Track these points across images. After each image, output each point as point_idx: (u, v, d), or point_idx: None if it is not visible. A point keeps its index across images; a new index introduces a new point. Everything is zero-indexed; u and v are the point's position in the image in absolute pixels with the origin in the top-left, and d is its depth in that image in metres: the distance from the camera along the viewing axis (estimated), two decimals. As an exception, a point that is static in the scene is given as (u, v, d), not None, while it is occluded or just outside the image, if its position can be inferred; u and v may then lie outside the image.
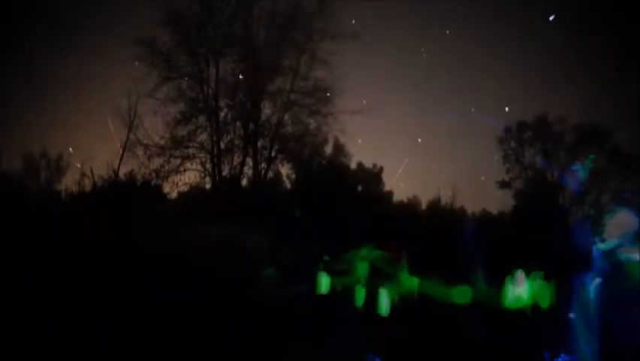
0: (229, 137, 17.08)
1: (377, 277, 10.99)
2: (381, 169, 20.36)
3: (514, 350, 8.27)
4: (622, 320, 7.80)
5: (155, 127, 16.43)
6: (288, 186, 19.12)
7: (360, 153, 21.26)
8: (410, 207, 19.90)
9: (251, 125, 17.28)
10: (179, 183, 16.46)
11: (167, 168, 16.32)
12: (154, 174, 16.29)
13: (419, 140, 19.49)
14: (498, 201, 20.09)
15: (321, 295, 10.66)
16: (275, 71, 17.25)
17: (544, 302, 10.20)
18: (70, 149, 19.91)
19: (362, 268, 11.24)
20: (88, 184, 15.41)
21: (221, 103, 17.08)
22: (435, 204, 19.43)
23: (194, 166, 16.64)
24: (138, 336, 7.73)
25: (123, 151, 16.03)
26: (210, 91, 16.94)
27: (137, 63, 16.17)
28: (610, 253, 9.84)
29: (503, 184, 20.80)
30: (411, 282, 11.08)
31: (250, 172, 17.33)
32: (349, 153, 19.51)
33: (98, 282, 8.58)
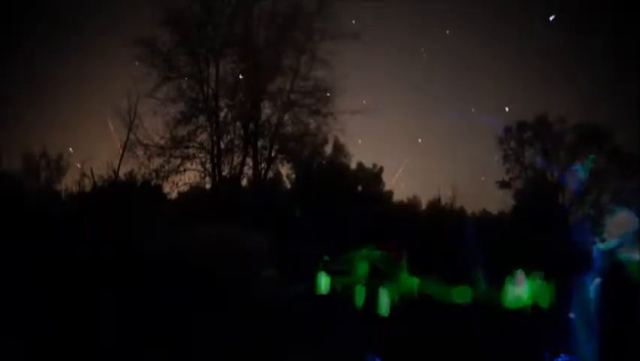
0: (229, 137, 17.10)
1: (377, 277, 10.99)
2: (381, 169, 20.38)
3: (514, 350, 8.27)
4: (622, 320, 7.80)
5: (155, 127, 16.45)
6: (288, 186, 19.12)
7: (360, 153, 21.27)
8: (410, 207, 19.91)
9: (251, 125, 17.28)
10: (179, 183, 16.48)
11: (167, 168, 16.33)
12: (154, 174, 16.30)
13: (419, 140, 19.50)
14: (498, 201, 20.11)
15: (321, 295, 10.67)
16: (275, 71, 17.25)
17: (544, 302, 10.19)
18: (70, 149, 19.93)
19: (362, 268, 11.24)
20: (88, 184, 15.43)
21: (221, 103, 17.10)
22: (435, 204, 19.43)
23: (194, 166, 16.66)
24: (138, 336, 7.73)
25: (123, 151, 16.05)
26: (210, 91, 16.95)
27: (137, 63, 16.19)
28: (610, 253, 9.84)
29: (503, 184, 20.80)
30: (411, 282, 11.08)
31: (250, 172, 17.34)
32: (349, 153, 19.53)
33: (98, 282, 8.58)
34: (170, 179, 16.35)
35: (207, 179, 16.78)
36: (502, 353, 8.40)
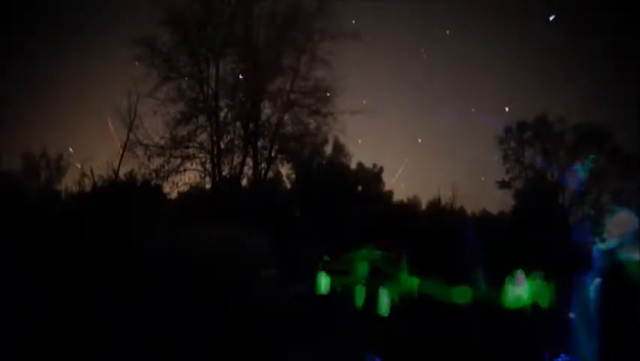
0: (229, 137, 17.10)
1: (377, 277, 10.99)
2: (381, 169, 20.38)
3: (514, 350, 8.27)
4: (622, 320, 7.79)
5: (155, 127, 16.45)
6: (288, 186, 19.12)
7: (360, 153, 21.28)
8: (410, 207, 19.90)
9: (251, 125, 17.28)
10: (179, 183, 16.48)
11: (167, 168, 16.33)
12: (154, 174, 16.30)
13: (419, 140, 19.51)
14: (498, 201, 20.11)
15: (321, 295, 10.66)
16: (275, 71, 17.24)
17: (544, 302, 10.19)
18: (70, 149, 19.93)
19: (362, 268, 11.24)
20: (88, 184, 15.42)
21: (221, 103, 17.10)
22: (435, 204, 19.42)
23: (194, 166, 16.66)
24: (138, 336, 7.73)
25: (123, 151, 16.05)
26: (210, 91, 16.95)
27: (137, 63, 16.19)
28: (610, 253, 9.84)
29: (503, 184, 20.80)
30: (411, 282, 11.07)
31: (250, 172, 17.34)
32: (349, 153, 19.53)
33: (98, 282, 8.58)
34: (170, 179, 16.36)
35: (207, 179, 16.80)
36: (502, 353, 8.40)
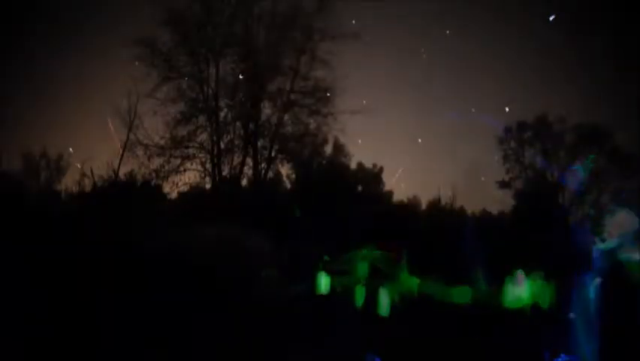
0: (229, 137, 17.11)
1: (377, 277, 10.98)
2: (381, 169, 20.41)
3: (514, 350, 8.27)
4: (622, 320, 7.79)
5: (155, 127, 16.47)
6: (288, 186, 19.14)
7: (360, 153, 21.36)
8: (410, 207, 19.92)
9: (251, 125, 17.30)
10: (179, 183, 16.50)
11: (167, 168, 16.35)
12: (154, 174, 16.31)
13: (419, 140, 19.53)
14: (498, 201, 20.13)
15: (321, 295, 10.66)
16: (275, 71, 17.26)
17: (544, 302, 10.19)
18: (70, 149, 19.98)
19: (362, 268, 11.23)
20: (88, 184, 15.42)
21: (221, 103, 17.12)
22: (435, 204, 19.44)
23: (194, 166, 16.68)
24: (138, 336, 7.73)
25: (123, 151, 16.06)
26: (210, 91, 16.96)
27: (137, 63, 16.22)
28: (610, 253, 9.84)
29: (503, 184, 20.82)
30: (411, 282, 11.07)
31: (250, 172, 17.36)
32: (349, 153, 19.57)
33: (98, 282, 8.58)
34: (170, 179, 16.38)
35: (207, 179, 16.82)
36: (502, 353, 8.40)
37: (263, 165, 17.37)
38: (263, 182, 17.27)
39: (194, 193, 16.58)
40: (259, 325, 8.50)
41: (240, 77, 17.20)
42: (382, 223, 14.09)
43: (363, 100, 16.95)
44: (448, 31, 20.24)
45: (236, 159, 17.16)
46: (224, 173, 16.83)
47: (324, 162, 19.17)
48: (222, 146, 16.86)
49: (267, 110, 17.47)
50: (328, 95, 17.18)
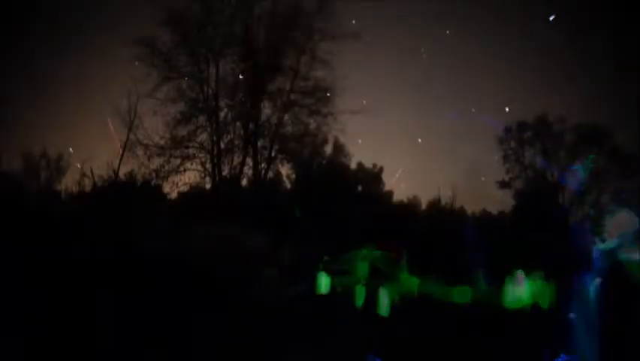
0: (229, 137, 17.13)
1: (377, 277, 10.98)
2: (381, 169, 20.43)
3: (514, 350, 8.27)
4: (622, 320, 7.79)
5: (155, 127, 16.49)
6: (288, 186, 19.15)
7: (360, 153, 21.40)
8: (410, 207, 19.92)
9: (251, 125, 17.31)
10: (179, 183, 16.51)
11: (167, 168, 16.36)
12: (154, 174, 16.32)
13: (419, 140, 19.54)
14: (498, 201, 20.18)
15: (321, 295, 10.65)
16: (275, 71, 17.27)
17: (544, 302, 10.19)
18: (70, 149, 20.00)
19: (362, 268, 11.23)
20: (88, 184, 15.41)
21: (221, 103, 17.14)
22: (435, 205, 19.44)
23: (194, 166, 16.70)
24: (138, 336, 7.73)
25: (123, 151, 16.06)
26: (210, 91, 16.98)
27: (137, 63, 16.24)
28: (610, 253, 9.83)
29: (503, 184, 20.85)
30: (411, 282, 11.07)
31: (250, 172, 17.38)
32: (349, 153, 19.60)
33: (98, 282, 8.57)
34: (170, 179, 16.40)
35: (207, 179, 16.83)
36: (502, 353, 8.40)
37: (263, 165, 17.39)
38: (263, 182, 17.27)
39: (194, 193, 16.59)
40: (259, 325, 8.49)
41: (240, 77, 17.23)
42: (382, 223, 14.09)
43: (363, 100, 17.02)
44: (448, 31, 20.29)
45: (236, 159, 17.19)
46: (224, 173, 16.84)
47: (324, 162, 19.19)
48: (222, 146, 16.89)
49: (267, 110, 17.52)
50: (328, 95, 17.20)
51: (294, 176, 19.09)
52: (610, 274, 8.72)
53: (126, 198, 14.46)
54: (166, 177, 16.34)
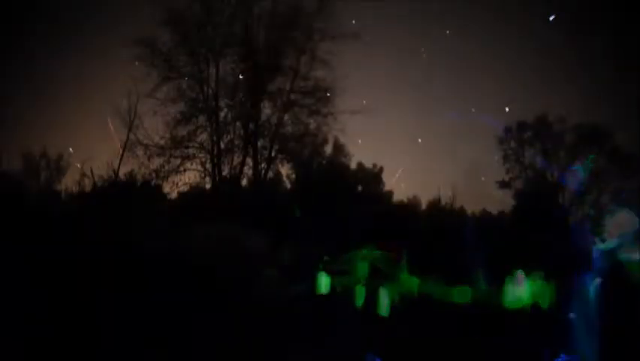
0: (229, 137, 17.13)
1: (377, 277, 10.98)
2: (381, 169, 20.43)
3: (514, 350, 8.27)
4: (622, 320, 7.79)
5: (155, 127, 16.50)
6: (288, 186, 19.15)
7: (360, 153, 21.39)
8: (410, 208, 19.92)
9: (251, 125, 17.31)
10: (179, 183, 16.51)
11: (167, 168, 16.36)
12: (154, 174, 16.32)
13: (419, 140, 19.55)
14: (498, 201, 20.18)
15: (321, 295, 10.65)
16: (275, 71, 17.27)
17: (544, 302, 10.19)
18: (71, 149, 20.00)
19: (362, 268, 11.23)
20: (88, 184, 15.41)
21: (221, 103, 17.15)
22: (435, 205, 19.44)
23: (194, 166, 16.70)
24: (138, 336, 7.73)
25: (123, 151, 16.06)
26: (210, 91, 16.98)
27: (137, 63, 16.25)
28: (610, 253, 9.83)
29: (503, 184, 20.85)
30: (411, 282, 11.07)
31: (250, 172, 17.38)
32: (349, 153, 19.60)
33: (98, 282, 8.57)
34: (170, 179, 16.40)
35: (207, 179, 16.83)
36: (502, 353, 8.40)
37: (263, 165, 17.39)
38: (263, 182, 17.27)
39: (194, 193, 16.58)
40: (259, 325, 8.49)
41: (240, 77, 17.23)
42: (382, 223, 14.08)
43: (363, 100, 17.02)
44: (448, 31, 20.27)
45: (236, 159, 17.19)
46: (224, 173, 16.85)
47: (324, 162, 19.19)
48: (222, 146, 16.89)
49: (267, 110, 17.52)
50: (328, 95, 17.20)
51: (294, 176, 19.09)
52: (610, 274, 8.73)
53: (126, 198, 14.46)
54: (166, 177, 16.36)
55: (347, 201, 16.60)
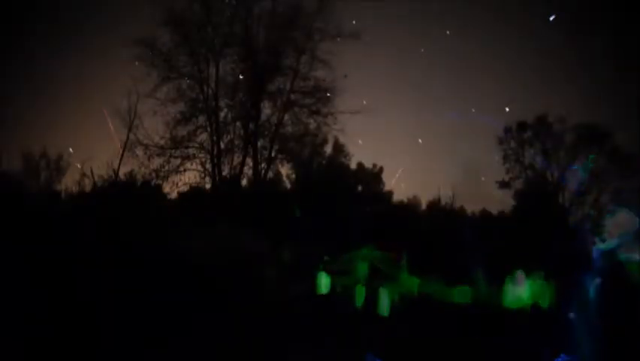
0: (229, 137, 17.13)
1: (377, 277, 10.98)
2: (381, 169, 20.45)
3: (514, 350, 8.27)
4: (622, 320, 7.79)
5: (155, 127, 16.48)
6: (288, 186, 19.15)
7: (360, 153, 21.39)
8: (410, 208, 19.93)
9: (251, 125, 17.30)
10: (179, 183, 16.50)
11: (167, 168, 16.35)
12: (154, 174, 16.31)
13: (419, 140, 19.56)
14: (498, 201, 20.16)
15: (321, 295, 10.66)
16: (275, 71, 17.27)
17: (544, 302, 10.19)
18: (71, 149, 19.99)
19: (362, 268, 11.24)
20: (88, 184, 15.40)
21: (221, 103, 17.14)
22: (435, 205, 19.45)
23: (194, 166, 16.69)
24: (138, 336, 7.73)
25: (123, 151, 16.04)
26: (210, 91, 16.97)
27: (137, 63, 16.23)
28: (610, 253, 9.84)
29: (503, 184, 20.84)
30: (411, 282, 11.07)
31: (250, 172, 17.36)
32: (349, 153, 19.61)
33: (97, 282, 8.58)
34: (170, 179, 16.39)
35: (207, 179, 16.81)
36: (502, 353, 8.40)
37: (263, 165, 17.38)
38: (263, 182, 17.26)
39: (194, 193, 16.58)
40: (259, 325, 8.50)
41: (240, 77, 17.22)
42: (382, 223, 14.10)
43: (363, 100, 16.99)
44: (448, 32, 20.29)
45: (236, 159, 17.18)
46: (224, 173, 16.84)
47: (324, 162, 19.19)
48: (222, 146, 16.89)
49: (267, 110, 17.50)
50: (328, 95, 17.19)
51: (294, 176, 19.10)
52: (610, 274, 8.73)
53: (126, 198, 14.46)
54: (166, 177, 16.34)
55: (347, 201, 16.62)
